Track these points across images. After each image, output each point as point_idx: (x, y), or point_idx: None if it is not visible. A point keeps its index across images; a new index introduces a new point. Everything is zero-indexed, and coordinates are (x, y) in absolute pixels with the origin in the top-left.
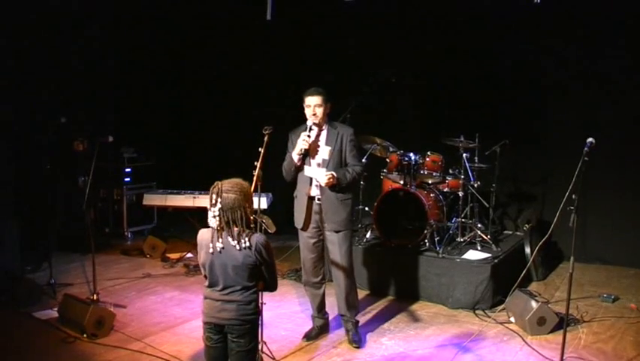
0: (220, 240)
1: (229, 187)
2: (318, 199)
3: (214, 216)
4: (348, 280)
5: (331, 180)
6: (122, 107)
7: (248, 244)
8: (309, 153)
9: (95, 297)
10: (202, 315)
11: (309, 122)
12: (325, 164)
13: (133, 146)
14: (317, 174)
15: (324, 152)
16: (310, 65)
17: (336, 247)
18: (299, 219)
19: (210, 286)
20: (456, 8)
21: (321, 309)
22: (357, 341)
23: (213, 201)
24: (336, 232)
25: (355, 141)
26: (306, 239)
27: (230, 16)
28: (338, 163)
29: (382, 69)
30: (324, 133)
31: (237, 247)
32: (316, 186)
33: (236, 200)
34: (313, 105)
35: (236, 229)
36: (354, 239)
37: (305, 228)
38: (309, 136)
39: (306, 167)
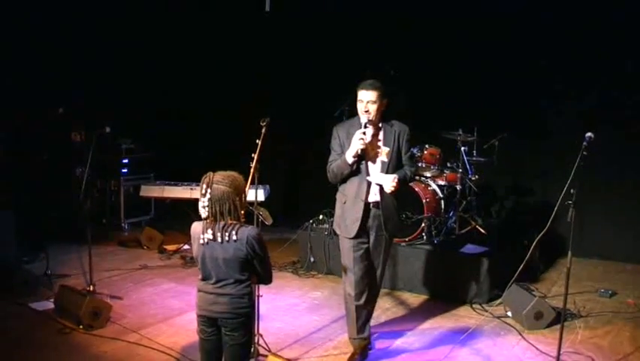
0: (210, 231)
1: (220, 179)
2: (374, 205)
3: (203, 207)
4: (382, 278)
5: (397, 185)
6: (120, 98)
7: (235, 237)
8: (365, 154)
9: (91, 288)
10: (196, 308)
11: (363, 119)
12: (385, 167)
13: (130, 137)
14: (384, 181)
15: (382, 153)
16: (309, 57)
17: (381, 248)
18: (351, 228)
19: (204, 279)
20: (456, 1)
21: (362, 330)
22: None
23: (203, 192)
24: (390, 236)
25: (411, 140)
26: (357, 246)
27: (228, 6)
28: (396, 165)
29: (381, 62)
30: (381, 132)
31: (220, 239)
32: (375, 192)
33: (226, 192)
34: (366, 101)
35: (222, 221)
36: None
37: (357, 236)
38: (364, 134)
39: (371, 172)
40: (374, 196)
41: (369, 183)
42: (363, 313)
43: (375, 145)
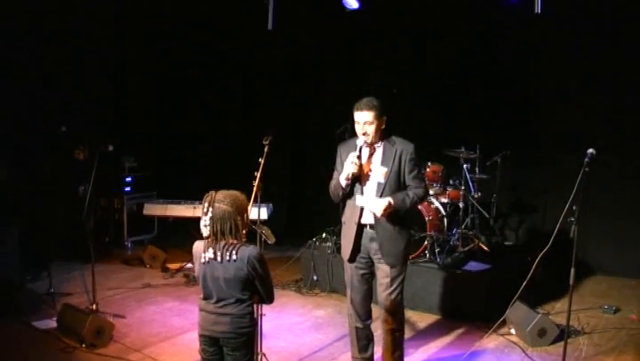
0: (211, 250)
1: (221, 198)
2: (371, 227)
3: (205, 226)
4: (396, 320)
5: (388, 209)
6: (123, 117)
7: (235, 257)
8: (360, 176)
9: (94, 307)
10: (198, 327)
11: (358, 142)
12: (380, 188)
13: (133, 155)
14: (371, 205)
15: (378, 174)
16: (311, 75)
17: (388, 281)
18: (346, 250)
19: (205, 298)
20: (458, 19)
21: (364, 350)
22: None
23: (205, 210)
24: (392, 266)
25: (417, 160)
26: (354, 271)
27: (231, 25)
28: (395, 186)
29: (384, 79)
30: (379, 151)
31: (220, 259)
32: (369, 214)
33: (227, 212)
34: (362, 123)
35: (224, 241)
36: None
37: (352, 259)
38: (359, 157)
39: (357, 196)
40: (368, 218)
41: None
42: (364, 334)
43: (369, 167)
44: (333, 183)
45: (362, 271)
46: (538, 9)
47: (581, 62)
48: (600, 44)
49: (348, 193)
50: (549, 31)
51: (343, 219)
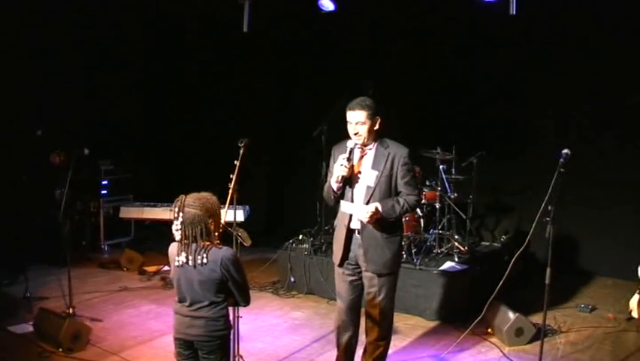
0: (184, 254)
1: (191, 202)
2: (359, 232)
3: (176, 230)
4: (381, 332)
5: (374, 215)
6: (100, 120)
7: (206, 260)
8: (350, 179)
9: (71, 311)
10: (173, 331)
11: (349, 143)
12: (370, 192)
13: (110, 158)
14: (356, 211)
15: (369, 177)
16: (288, 77)
17: (375, 290)
18: (336, 254)
19: (179, 301)
20: (433, 20)
21: (349, 356)
22: None
23: (175, 215)
24: (379, 275)
25: (410, 165)
26: (343, 277)
27: (207, 27)
28: (386, 191)
29: (359, 81)
30: (370, 153)
31: (192, 262)
32: (357, 219)
33: (197, 215)
34: (354, 123)
35: (195, 244)
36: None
37: (341, 264)
38: (349, 159)
39: (342, 202)
40: (357, 223)
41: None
42: (350, 343)
43: (359, 169)
44: (325, 186)
45: (350, 278)
46: (513, 10)
47: (557, 63)
48: (575, 45)
49: (340, 197)
50: (524, 32)
51: (335, 222)
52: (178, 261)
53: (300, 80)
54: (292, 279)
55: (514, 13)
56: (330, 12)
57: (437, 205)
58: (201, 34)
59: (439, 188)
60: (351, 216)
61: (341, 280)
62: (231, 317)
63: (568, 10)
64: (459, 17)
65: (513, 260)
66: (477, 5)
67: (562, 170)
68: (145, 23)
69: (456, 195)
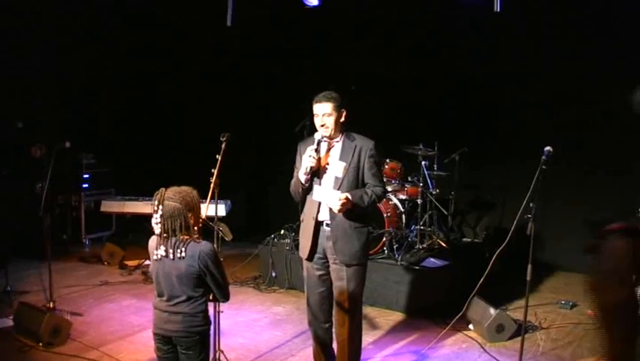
0: (163, 248)
1: (171, 195)
2: (327, 225)
3: (156, 223)
4: (352, 325)
5: (346, 204)
6: (81, 113)
7: (185, 253)
8: (318, 171)
9: (51, 305)
10: (152, 325)
11: (316, 136)
12: (338, 183)
13: (91, 152)
14: (328, 198)
15: (337, 169)
16: (271, 71)
17: (343, 283)
18: (304, 248)
19: (158, 295)
20: (417, 16)
21: (328, 356)
22: None
23: (155, 208)
24: (347, 265)
25: (377, 157)
26: (311, 271)
27: (190, 21)
28: (354, 182)
29: (343, 77)
30: (338, 146)
31: (172, 256)
32: (326, 210)
33: (177, 208)
34: (321, 115)
35: (174, 238)
36: None
37: (310, 257)
38: (317, 151)
39: (315, 187)
40: (325, 215)
41: (320, 201)
42: (324, 338)
43: (327, 161)
44: (293, 181)
45: (319, 272)
46: (497, 8)
47: (540, 61)
48: (559, 43)
49: (307, 190)
50: (508, 30)
51: (302, 217)
52: (157, 255)
53: (284, 75)
54: (274, 274)
55: (499, 10)
56: (314, 7)
57: (419, 201)
58: (185, 28)
59: (421, 184)
60: (319, 208)
61: (310, 274)
62: (212, 312)
63: (552, 7)
64: (443, 14)
65: (494, 256)
66: (461, 2)
67: (544, 167)
68: (128, 17)
69: (438, 191)
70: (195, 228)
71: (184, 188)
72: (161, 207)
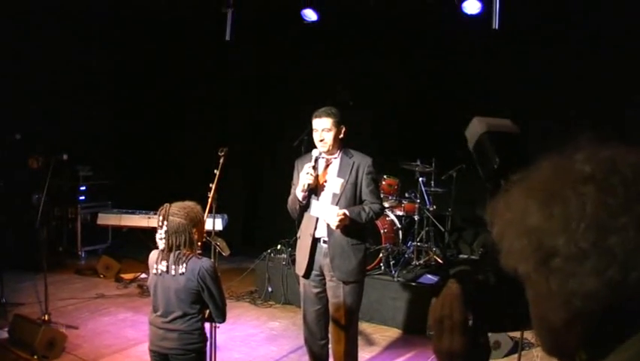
0: (164, 263)
1: (176, 210)
2: (324, 241)
3: (160, 239)
4: (349, 342)
5: (344, 220)
6: (79, 125)
7: (184, 269)
8: (316, 188)
9: (46, 317)
10: (148, 341)
11: (314, 152)
12: (336, 199)
13: (88, 164)
14: (326, 214)
15: (334, 185)
16: (269, 86)
17: (340, 300)
18: (300, 265)
19: (153, 310)
20: (415, 33)
21: None
22: None
23: (160, 224)
24: (345, 282)
25: (374, 174)
26: (308, 288)
27: (189, 35)
28: (351, 199)
29: (340, 91)
30: (336, 162)
31: (173, 271)
32: (323, 227)
33: (181, 224)
34: (321, 130)
35: (177, 252)
36: None
37: (306, 275)
38: (314, 168)
39: (313, 202)
40: (322, 231)
41: (317, 217)
42: (320, 355)
43: (324, 178)
44: (290, 198)
45: (316, 290)
46: (495, 24)
47: (537, 77)
48: (556, 60)
49: (305, 207)
50: (506, 46)
51: (299, 233)
52: (157, 269)
53: (281, 89)
54: (270, 289)
55: (497, 27)
56: (313, 22)
57: (416, 217)
58: (184, 42)
59: (418, 200)
60: (316, 225)
61: (307, 291)
62: (208, 327)
63: (549, 25)
64: (441, 30)
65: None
66: (460, 19)
67: None
68: (125, 29)
69: (435, 207)
70: (199, 243)
71: (188, 203)
72: (165, 222)
